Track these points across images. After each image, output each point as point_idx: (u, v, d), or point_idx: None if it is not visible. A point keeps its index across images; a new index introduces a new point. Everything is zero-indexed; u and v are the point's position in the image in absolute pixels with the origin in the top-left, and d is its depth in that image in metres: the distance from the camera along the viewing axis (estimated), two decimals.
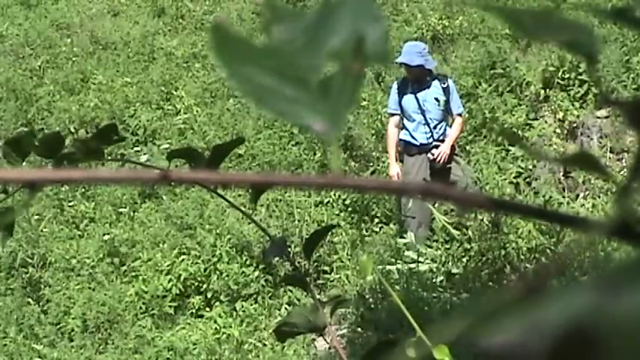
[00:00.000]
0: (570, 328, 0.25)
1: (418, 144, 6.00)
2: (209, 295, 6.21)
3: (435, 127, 6.01)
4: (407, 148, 6.09)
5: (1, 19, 10.52)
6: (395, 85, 6.14)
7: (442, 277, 5.49)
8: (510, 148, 6.60)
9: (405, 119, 6.07)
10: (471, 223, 5.69)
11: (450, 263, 5.60)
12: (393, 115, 6.14)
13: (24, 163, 0.88)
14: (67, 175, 0.35)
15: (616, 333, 0.24)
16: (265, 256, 1.04)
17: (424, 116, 5.99)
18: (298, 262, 1.05)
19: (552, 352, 0.25)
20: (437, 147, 5.99)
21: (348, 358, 0.98)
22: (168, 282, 6.25)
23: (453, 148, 6.06)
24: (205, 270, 6.29)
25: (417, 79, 5.97)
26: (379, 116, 7.11)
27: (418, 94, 5.99)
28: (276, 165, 7.07)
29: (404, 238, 6.00)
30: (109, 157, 0.96)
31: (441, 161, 5.97)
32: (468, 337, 0.27)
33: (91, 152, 0.88)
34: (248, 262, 6.29)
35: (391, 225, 6.43)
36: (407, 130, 6.06)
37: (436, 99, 5.99)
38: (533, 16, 0.42)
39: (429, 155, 5.98)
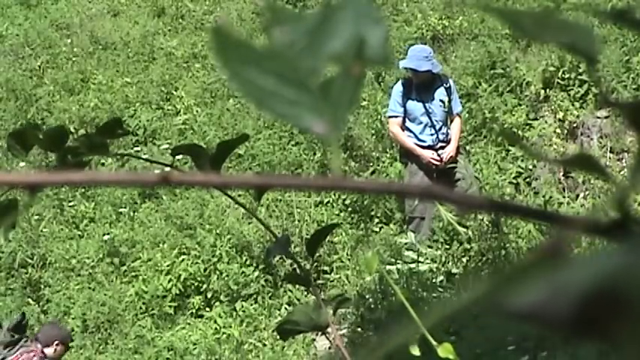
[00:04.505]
0: (597, 287, 0.25)
1: (425, 145, 5.98)
2: (209, 295, 6.21)
3: (439, 129, 6.01)
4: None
5: (1, 19, 10.52)
6: (400, 88, 6.05)
7: (442, 277, 5.49)
8: (510, 148, 6.60)
9: (409, 122, 6.04)
10: (471, 223, 5.69)
11: (450, 263, 5.60)
12: (394, 117, 6.08)
13: (25, 162, 0.89)
14: (66, 178, 0.35)
15: None
16: (269, 254, 1.04)
17: (430, 119, 5.98)
18: (298, 261, 1.05)
19: (580, 312, 0.25)
20: (443, 148, 5.98)
21: (349, 357, 0.98)
22: (168, 282, 6.25)
23: (457, 147, 6.06)
24: (205, 270, 6.29)
25: (423, 83, 5.94)
26: (379, 116, 7.11)
27: (424, 98, 5.98)
28: (276, 165, 7.07)
29: (406, 237, 6.01)
30: (113, 154, 0.96)
31: (448, 162, 5.96)
32: (491, 299, 0.27)
33: (95, 147, 0.88)
34: (248, 262, 6.29)
35: (391, 225, 6.43)
36: (412, 132, 6.03)
37: (441, 101, 5.98)
38: (533, 17, 0.42)
39: (437, 157, 5.96)
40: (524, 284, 0.26)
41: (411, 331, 0.30)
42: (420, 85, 5.96)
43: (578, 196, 6.33)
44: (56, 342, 4.94)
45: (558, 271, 0.26)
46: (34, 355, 4.84)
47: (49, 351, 4.89)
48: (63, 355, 5.08)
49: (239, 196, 5.59)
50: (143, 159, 1.27)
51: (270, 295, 6.14)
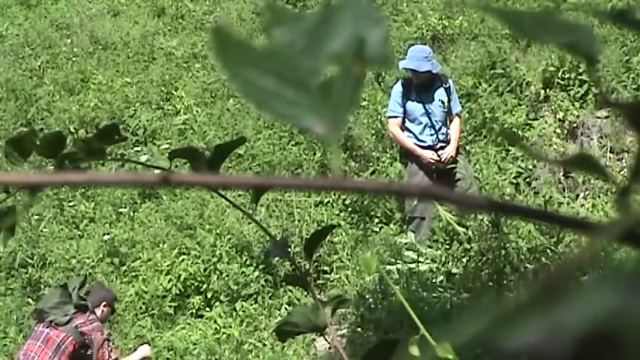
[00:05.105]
0: (594, 330, 0.25)
1: (425, 145, 5.98)
2: (209, 295, 6.21)
3: (439, 129, 6.00)
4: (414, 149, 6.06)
5: (1, 19, 10.52)
6: (400, 88, 6.04)
7: (442, 277, 5.49)
8: (510, 148, 6.60)
9: (409, 122, 6.03)
10: (471, 223, 5.68)
11: (450, 263, 5.59)
12: (394, 117, 6.07)
13: (25, 163, 0.89)
14: (66, 178, 0.35)
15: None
16: (267, 256, 1.04)
17: (430, 119, 5.97)
18: (298, 262, 1.05)
19: (575, 354, 0.25)
20: (442, 148, 5.97)
21: (349, 358, 0.98)
22: (168, 282, 6.25)
23: (457, 147, 6.06)
24: (205, 270, 6.29)
25: (423, 84, 5.93)
26: (379, 116, 7.11)
27: (424, 98, 5.97)
28: (276, 165, 7.07)
29: (406, 237, 6.00)
30: (110, 157, 0.96)
31: (448, 162, 5.96)
32: (487, 338, 0.27)
33: (92, 152, 0.88)
34: (248, 262, 6.29)
35: (391, 225, 6.43)
36: (411, 132, 6.02)
37: (441, 101, 5.98)
38: (533, 18, 0.42)
39: (436, 157, 5.95)
40: (521, 323, 0.26)
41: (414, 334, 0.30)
42: (420, 86, 5.95)
43: (578, 196, 6.33)
44: (104, 303, 5.04)
45: (556, 310, 0.26)
46: (103, 340, 4.90)
47: (97, 312, 4.98)
48: (108, 317, 5.19)
49: (239, 195, 5.60)
50: (141, 163, 1.27)
51: (270, 295, 6.14)
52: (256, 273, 6.21)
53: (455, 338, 0.28)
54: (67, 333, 4.83)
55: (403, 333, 4.65)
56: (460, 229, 5.64)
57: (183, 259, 6.35)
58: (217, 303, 6.15)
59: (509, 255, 5.46)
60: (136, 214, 7.09)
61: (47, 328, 4.85)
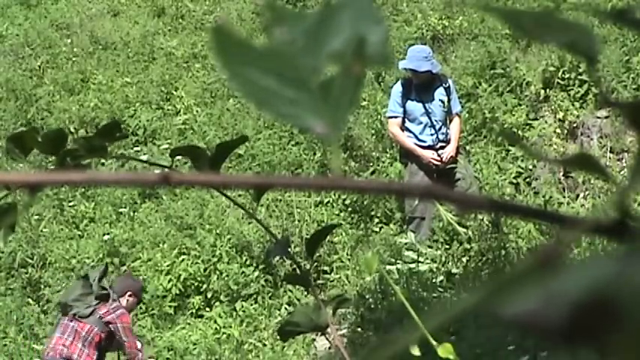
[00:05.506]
0: (591, 296, 0.25)
1: (425, 145, 5.98)
2: (209, 295, 6.21)
3: (439, 129, 6.00)
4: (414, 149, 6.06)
5: (1, 19, 10.52)
6: (400, 88, 6.04)
7: (442, 277, 5.49)
8: (510, 148, 6.60)
9: (409, 122, 6.03)
10: (471, 223, 5.68)
11: (450, 263, 5.60)
12: (394, 117, 6.07)
13: (26, 161, 0.89)
14: (66, 178, 0.35)
15: (637, 301, 0.24)
16: (268, 255, 1.04)
17: (430, 119, 5.97)
18: (298, 262, 1.05)
19: (572, 320, 0.25)
20: (443, 148, 5.97)
21: (349, 357, 0.98)
22: (168, 282, 6.25)
23: (457, 147, 6.05)
24: (205, 270, 6.29)
25: (422, 84, 5.93)
26: (379, 116, 7.11)
27: (424, 98, 5.97)
28: (276, 165, 7.07)
29: (406, 237, 6.00)
30: (113, 156, 0.96)
31: (448, 162, 5.96)
32: (486, 307, 0.27)
33: (94, 149, 0.88)
34: (248, 262, 6.29)
35: (391, 225, 6.43)
36: (411, 132, 6.02)
37: (441, 100, 5.98)
38: (533, 17, 0.42)
39: (437, 157, 5.95)
40: (518, 292, 0.26)
41: (414, 333, 0.30)
42: (420, 86, 5.95)
43: (578, 196, 6.33)
44: (129, 293, 5.08)
45: (553, 278, 0.26)
46: (129, 327, 4.93)
47: (122, 301, 5.01)
48: (134, 308, 5.23)
49: (239, 195, 5.60)
50: (142, 161, 1.27)
51: (270, 295, 6.14)
52: (256, 273, 6.21)
53: (456, 311, 0.28)
54: (91, 325, 4.90)
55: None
56: (460, 229, 5.64)
57: (183, 259, 6.35)
58: (217, 303, 6.15)
59: (509, 255, 5.46)
60: (136, 214, 7.09)
61: (72, 321, 4.92)
